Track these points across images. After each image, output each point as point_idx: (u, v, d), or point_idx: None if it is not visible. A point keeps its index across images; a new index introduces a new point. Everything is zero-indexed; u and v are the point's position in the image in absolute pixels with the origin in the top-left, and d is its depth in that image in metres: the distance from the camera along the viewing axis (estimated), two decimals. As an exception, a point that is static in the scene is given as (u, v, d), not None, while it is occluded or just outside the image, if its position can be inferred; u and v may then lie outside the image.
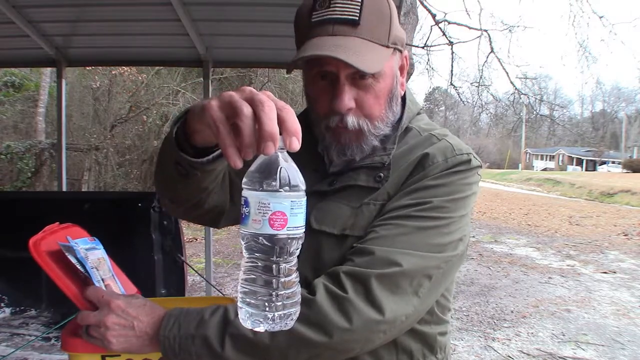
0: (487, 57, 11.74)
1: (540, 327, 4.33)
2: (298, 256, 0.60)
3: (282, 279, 0.57)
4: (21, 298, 2.88)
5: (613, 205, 16.01)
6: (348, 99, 0.85)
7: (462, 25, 11.15)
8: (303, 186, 0.58)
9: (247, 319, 0.58)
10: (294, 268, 0.60)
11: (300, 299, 0.61)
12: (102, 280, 0.93)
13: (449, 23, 10.80)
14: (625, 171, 31.73)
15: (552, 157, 50.68)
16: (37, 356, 2.47)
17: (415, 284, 0.80)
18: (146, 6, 2.94)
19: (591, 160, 46.09)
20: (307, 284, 0.80)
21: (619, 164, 39.03)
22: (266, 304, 0.57)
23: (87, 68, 9.66)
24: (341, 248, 0.86)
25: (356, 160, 0.91)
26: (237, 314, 0.63)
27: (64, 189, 3.85)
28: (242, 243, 0.58)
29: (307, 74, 0.90)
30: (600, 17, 12.42)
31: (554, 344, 3.93)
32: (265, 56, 3.71)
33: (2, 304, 2.87)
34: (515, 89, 13.59)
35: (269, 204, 0.55)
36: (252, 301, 0.58)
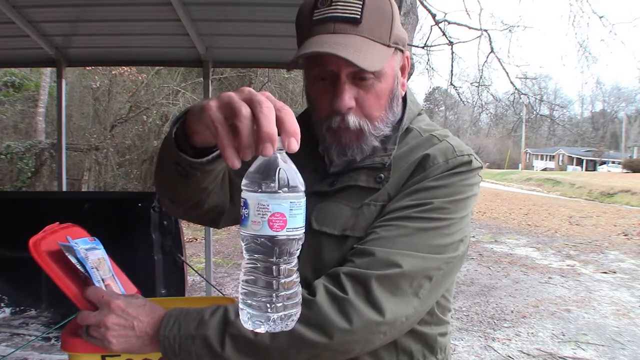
0: (487, 57, 11.78)
1: (540, 327, 4.33)
2: (298, 257, 0.60)
3: (283, 280, 0.57)
4: (21, 298, 2.88)
5: (613, 205, 16.01)
6: (348, 98, 0.85)
7: (462, 25, 11.18)
8: (302, 187, 0.58)
9: (248, 320, 0.58)
10: (295, 269, 0.60)
11: (301, 300, 0.61)
12: (102, 280, 0.93)
13: (449, 23, 10.82)
14: (625, 171, 31.72)
15: (552, 157, 50.67)
16: (37, 356, 2.46)
17: (416, 285, 0.80)
18: (146, 6, 2.94)
19: (591, 160, 46.09)
20: (307, 284, 0.80)
21: (619, 164, 39.02)
22: (267, 305, 0.57)
23: (87, 68, 9.66)
24: (341, 249, 0.86)
25: (357, 160, 0.91)
26: (237, 315, 0.63)
27: (64, 189, 3.85)
28: (242, 244, 0.58)
29: (308, 74, 0.90)
30: (600, 17, 12.46)
31: (554, 344, 3.93)
32: (265, 56, 3.71)
33: (2, 304, 2.87)
34: (515, 89, 13.62)
35: (268, 205, 0.55)
36: (253, 302, 0.58)
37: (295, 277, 0.60)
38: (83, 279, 0.90)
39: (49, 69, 8.51)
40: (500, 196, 18.86)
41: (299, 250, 0.59)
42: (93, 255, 0.95)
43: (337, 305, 0.76)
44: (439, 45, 11.15)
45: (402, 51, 0.91)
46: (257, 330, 0.58)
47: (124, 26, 3.17)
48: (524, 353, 3.73)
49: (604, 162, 45.04)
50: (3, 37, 3.19)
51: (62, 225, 1.00)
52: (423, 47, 11.00)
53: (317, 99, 0.90)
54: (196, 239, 7.46)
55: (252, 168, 0.57)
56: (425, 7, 9.71)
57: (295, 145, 0.55)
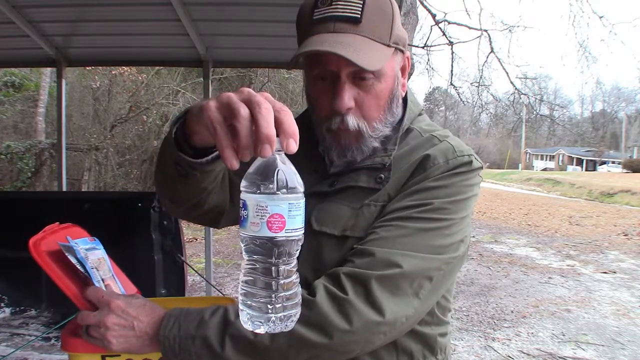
0: (487, 57, 11.78)
1: (540, 327, 4.33)
2: (298, 257, 0.60)
3: (282, 281, 0.57)
4: (21, 298, 2.88)
5: (613, 205, 16.01)
6: (348, 98, 0.85)
7: (462, 25, 11.18)
8: (301, 188, 0.58)
9: (248, 321, 0.59)
10: (294, 270, 0.60)
11: (300, 300, 0.61)
12: (102, 280, 0.93)
13: (449, 23, 10.83)
14: (625, 171, 31.71)
15: (552, 157, 50.67)
16: (37, 356, 2.47)
17: (416, 285, 0.80)
18: (146, 6, 2.94)
19: (591, 160, 46.07)
20: (307, 284, 0.80)
21: (619, 164, 39.01)
22: (266, 306, 0.57)
23: (87, 68, 9.66)
24: (342, 249, 0.86)
25: (357, 161, 0.91)
26: (237, 315, 0.63)
27: (64, 189, 3.85)
28: (242, 245, 0.58)
29: (309, 74, 0.90)
30: (600, 17, 12.47)
31: (554, 344, 3.93)
32: (265, 56, 3.71)
33: (2, 304, 2.87)
34: (515, 89, 13.62)
35: (266, 207, 0.55)
36: (253, 303, 0.58)
37: (295, 278, 0.60)
38: (83, 279, 0.90)
39: (49, 69, 8.51)
40: (500, 196, 18.85)
41: (299, 251, 0.59)
42: (93, 255, 0.95)
43: (337, 306, 0.76)
44: (439, 45, 11.17)
45: (402, 51, 0.91)
46: (257, 331, 0.59)
47: (124, 26, 3.17)
48: (524, 353, 3.73)
49: (604, 162, 45.04)
50: (3, 37, 3.19)
51: (62, 225, 1.00)
52: (423, 47, 11.02)
53: (317, 99, 0.90)
54: (196, 239, 7.46)
55: (251, 169, 0.57)
56: (425, 7, 9.72)
57: (293, 146, 0.55)
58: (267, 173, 0.56)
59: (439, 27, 10.52)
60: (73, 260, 0.90)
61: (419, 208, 0.83)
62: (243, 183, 0.57)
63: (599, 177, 24.45)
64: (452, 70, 11.69)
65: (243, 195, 0.57)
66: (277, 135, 0.55)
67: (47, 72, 9.95)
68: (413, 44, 8.68)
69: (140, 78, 10.20)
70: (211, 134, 0.59)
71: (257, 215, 0.55)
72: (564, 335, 4.13)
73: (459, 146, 0.90)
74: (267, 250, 0.56)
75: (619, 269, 6.68)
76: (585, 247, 8.31)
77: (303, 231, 0.59)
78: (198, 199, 0.90)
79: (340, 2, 0.82)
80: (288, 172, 0.57)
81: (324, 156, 0.95)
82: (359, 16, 0.82)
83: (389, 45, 0.86)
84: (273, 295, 0.57)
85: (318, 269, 0.85)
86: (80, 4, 2.92)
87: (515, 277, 6.15)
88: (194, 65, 3.89)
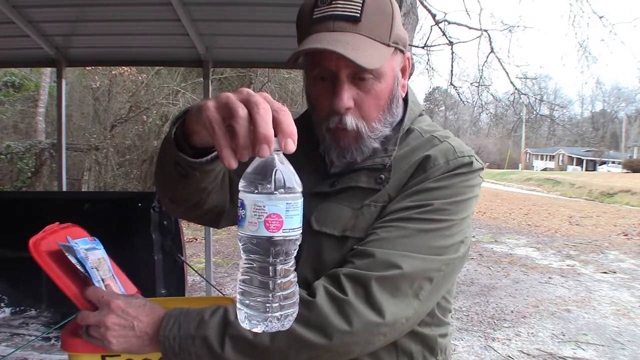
0: (487, 57, 11.78)
1: (540, 327, 4.33)
2: (298, 257, 0.60)
3: (279, 280, 0.58)
4: (21, 298, 2.88)
5: (613, 205, 16.01)
6: (347, 97, 0.85)
7: (462, 25, 11.18)
8: (299, 188, 0.58)
9: (245, 320, 0.59)
10: (292, 269, 0.60)
11: (298, 300, 0.61)
12: (102, 280, 0.93)
13: (449, 23, 10.83)
14: (625, 171, 31.71)
15: (552, 157, 50.66)
16: (37, 356, 2.47)
17: (416, 286, 0.80)
18: (146, 6, 2.94)
19: (591, 160, 46.07)
20: (307, 285, 0.80)
21: (619, 164, 39.01)
22: (264, 305, 0.57)
23: (87, 68, 9.66)
24: (342, 249, 0.86)
25: (357, 161, 0.91)
26: (237, 315, 0.63)
27: (64, 189, 3.85)
28: (240, 245, 0.59)
29: (308, 74, 0.90)
30: (600, 17, 12.46)
31: (554, 344, 3.93)
32: (265, 56, 3.71)
33: (2, 304, 2.87)
34: (515, 89, 13.62)
35: (264, 207, 0.55)
36: (250, 302, 0.58)
37: (292, 277, 0.60)
38: (83, 279, 0.90)
39: (49, 69, 8.51)
40: (500, 196, 18.86)
41: (296, 250, 0.59)
42: (93, 255, 0.95)
43: (337, 307, 0.76)
44: (439, 45, 11.17)
45: (402, 52, 0.91)
46: (254, 330, 0.59)
47: (124, 26, 3.17)
48: (524, 353, 3.73)
49: (604, 162, 45.03)
50: (3, 37, 3.19)
51: (62, 225, 1.00)
52: (423, 47, 11.02)
53: (316, 98, 0.90)
54: (196, 239, 7.46)
55: (249, 169, 0.57)
56: (425, 7, 9.71)
57: (291, 146, 0.55)
58: (265, 173, 0.56)
59: (439, 27, 10.53)
60: (73, 260, 0.90)
61: (419, 209, 0.83)
62: (241, 183, 0.57)
63: (599, 177, 24.45)
64: (452, 70, 11.70)
65: (241, 195, 0.57)
66: (276, 135, 0.55)
67: (47, 72, 9.95)
68: (413, 44, 8.68)
69: (140, 78, 10.20)
70: (210, 134, 0.59)
71: (255, 214, 0.55)
72: (564, 335, 4.13)
73: (459, 147, 0.90)
74: (264, 249, 0.56)
75: (619, 269, 6.68)
76: (585, 247, 8.31)
77: (301, 231, 0.59)
78: (198, 199, 0.90)
79: (340, 2, 0.82)
80: (286, 172, 0.57)
81: (324, 156, 0.95)
82: (358, 15, 0.82)
83: (388, 45, 0.85)
84: (270, 295, 0.57)
85: (318, 269, 0.85)
86: (80, 4, 2.92)
87: (515, 277, 6.15)
88: (194, 65, 3.89)
